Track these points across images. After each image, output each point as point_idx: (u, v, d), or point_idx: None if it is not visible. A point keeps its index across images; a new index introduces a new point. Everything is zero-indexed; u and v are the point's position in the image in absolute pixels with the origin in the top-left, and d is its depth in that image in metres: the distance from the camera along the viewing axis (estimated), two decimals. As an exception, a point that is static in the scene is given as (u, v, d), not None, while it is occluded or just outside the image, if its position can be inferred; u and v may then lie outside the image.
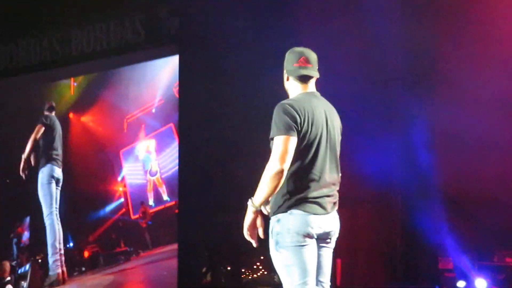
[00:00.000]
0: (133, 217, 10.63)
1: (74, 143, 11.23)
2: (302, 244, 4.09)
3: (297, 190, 4.09)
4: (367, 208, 8.92)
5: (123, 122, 10.81)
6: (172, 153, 10.29)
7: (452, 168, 8.36)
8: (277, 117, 4.12)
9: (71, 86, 11.43)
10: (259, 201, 4.04)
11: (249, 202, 4.10)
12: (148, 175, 10.58)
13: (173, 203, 10.29)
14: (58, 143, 10.56)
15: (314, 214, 4.13)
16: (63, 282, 10.41)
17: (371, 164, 8.81)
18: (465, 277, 7.83)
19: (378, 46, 8.40)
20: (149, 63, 10.65)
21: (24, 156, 10.45)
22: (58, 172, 10.48)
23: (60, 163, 10.49)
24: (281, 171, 3.99)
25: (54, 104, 10.88)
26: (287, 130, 4.06)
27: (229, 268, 11.85)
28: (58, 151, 10.51)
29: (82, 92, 11.37)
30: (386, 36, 8.29)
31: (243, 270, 12.80)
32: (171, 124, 10.34)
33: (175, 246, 9.75)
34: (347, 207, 8.31)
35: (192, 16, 9.71)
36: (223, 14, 9.23)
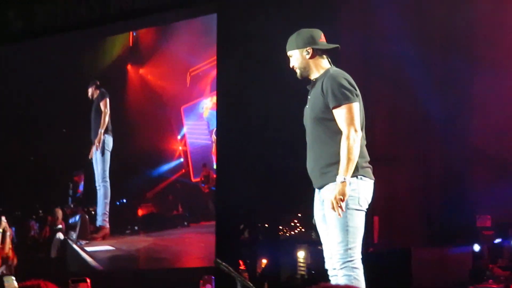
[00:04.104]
0: (193, 179, 9.77)
1: (131, 96, 10.58)
2: (366, 208, 4.17)
3: (362, 156, 4.13)
4: (405, 167, 8.91)
5: (186, 76, 9.86)
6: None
7: (493, 128, 8.32)
8: (339, 85, 4.12)
9: (130, 37, 10.62)
10: (352, 171, 4.03)
11: (340, 178, 4.02)
12: (213, 135, 9.61)
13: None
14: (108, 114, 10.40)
15: (372, 179, 4.20)
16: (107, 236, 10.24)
17: (409, 122, 8.80)
18: (503, 234, 7.81)
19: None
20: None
21: (102, 130, 10.21)
22: (111, 142, 10.31)
23: (111, 133, 10.33)
24: (360, 136, 4.07)
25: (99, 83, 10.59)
26: (354, 97, 4.11)
27: (266, 226, 11.94)
28: (109, 122, 10.33)
29: (142, 42, 10.55)
30: None
31: (280, 228, 12.88)
32: (241, 79, 9.38)
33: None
34: (385, 166, 8.32)
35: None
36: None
